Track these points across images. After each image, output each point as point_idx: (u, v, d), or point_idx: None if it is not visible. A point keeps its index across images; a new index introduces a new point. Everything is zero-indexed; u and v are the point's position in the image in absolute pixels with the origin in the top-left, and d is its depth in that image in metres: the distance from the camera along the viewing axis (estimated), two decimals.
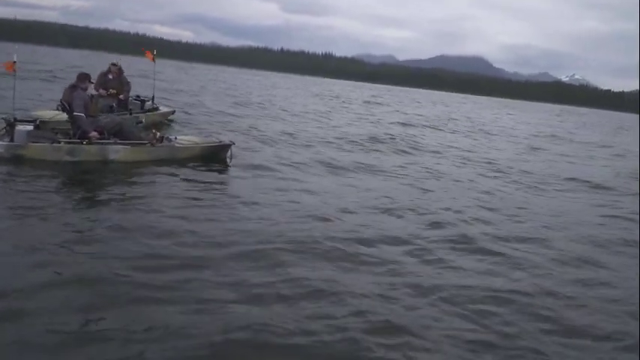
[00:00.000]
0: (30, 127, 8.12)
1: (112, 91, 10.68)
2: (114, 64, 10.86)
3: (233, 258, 4.97)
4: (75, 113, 8.27)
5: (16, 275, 4.11)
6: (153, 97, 11.99)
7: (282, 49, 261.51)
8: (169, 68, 48.24)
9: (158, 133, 9.12)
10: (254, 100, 24.75)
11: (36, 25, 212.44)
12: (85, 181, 7.54)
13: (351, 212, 7.07)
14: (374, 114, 24.98)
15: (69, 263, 4.46)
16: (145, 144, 8.79)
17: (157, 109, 11.84)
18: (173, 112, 12.32)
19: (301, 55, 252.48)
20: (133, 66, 19.10)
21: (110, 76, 10.81)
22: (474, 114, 37.12)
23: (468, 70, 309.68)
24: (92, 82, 8.89)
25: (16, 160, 7.79)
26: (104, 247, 4.95)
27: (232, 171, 9.16)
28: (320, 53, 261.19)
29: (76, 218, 5.71)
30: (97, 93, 10.58)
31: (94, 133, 8.33)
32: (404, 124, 20.75)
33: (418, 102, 48.94)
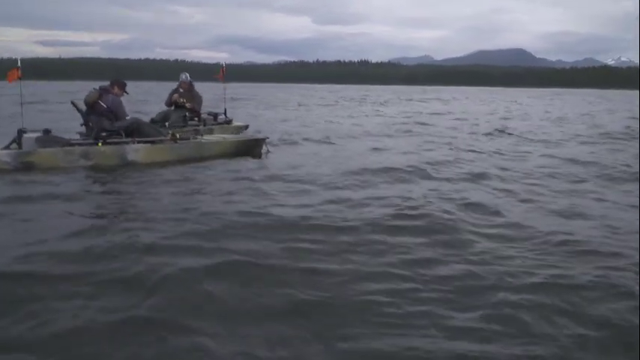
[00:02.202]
0: (39, 134, 7.32)
1: (181, 100, 10.12)
2: (183, 81, 10.40)
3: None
4: (129, 117, 7.91)
5: None
6: (225, 110, 11.47)
7: (317, 60, 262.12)
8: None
9: (178, 135, 8.22)
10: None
11: (80, 62, 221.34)
12: (101, 186, 6.60)
13: None
14: None
15: None
16: (166, 141, 7.90)
17: (230, 122, 11.24)
18: (246, 127, 11.74)
19: (337, 64, 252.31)
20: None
21: (181, 90, 10.34)
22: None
23: (509, 64, 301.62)
24: (127, 92, 8.16)
25: (26, 168, 6.99)
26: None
27: (266, 164, 8.11)
28: (356, 61, 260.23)
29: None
30: (168, 109, 10.31)
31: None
32: None
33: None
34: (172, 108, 10.30)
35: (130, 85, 8.54)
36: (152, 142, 7.79)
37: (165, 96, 10.85)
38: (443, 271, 3.61)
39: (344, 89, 71.76)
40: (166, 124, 9.51)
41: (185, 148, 8.03)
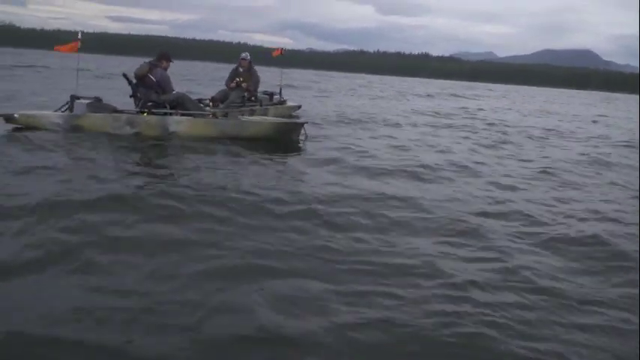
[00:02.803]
0: (90, 100, 7.86)
1: (238, 79, 10.66)
2: (243, 58, 10.90)
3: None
4: (175, 92, 8.27)
5: None
6: (280, 90, 11.98)
7: (377, 51, 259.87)
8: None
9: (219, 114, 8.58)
10: None
11: (147, 40, 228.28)
12: (141, 151, 7.09)
13: None
14: None
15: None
16: (207, 115, 8.27)
17: (284, 102, 11.78)
18: (299, 107, 12.25)
19: (397, 56, 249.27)
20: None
21: (240, 69, 10.87)
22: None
23: (575, 64, 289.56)
24: (172, 61, 8.57)
25: (75, 131, 7.59)
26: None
27: (302, 150, 8.23)
28: (416, 53, 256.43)
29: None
30: (227, 88, 10.85)
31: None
32: None
33: None
34: (230, 86, 10.77)
35: (192, 66, 8.97)
36: (194, 116, 8.16)
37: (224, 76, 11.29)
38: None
39: (401, 81, 71.00)
40: (220, 103, 10.19)
41: (225, 125, 8.33)
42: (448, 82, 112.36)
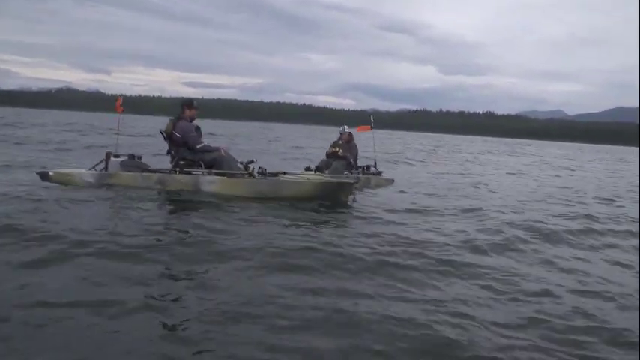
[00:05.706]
0: (125, 158, 7.62)
1: (334, 149, 11.09)
2: (341, 132, 11.43)
3: None
4: (198, 147, 7.76)
5: None
6: (375, 162, 12.12)
7: (440, 110, 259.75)
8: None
9: (253, 167, 8.01)
10: None
11: (218, 102, 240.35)
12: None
13: None
14: None
15: None
16: (242, 175, 7.76)
17: (380, 173, 11.87)
18: (393, 181, 12.17)
19: (460, 115, 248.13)
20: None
21: (340, 142, 11.36)
22: None
23: None
24: (195, 108, 8.07)
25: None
26: None
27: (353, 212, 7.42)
28: (481, 112, 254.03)
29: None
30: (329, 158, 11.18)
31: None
32: None
33: None
34: (328, 153, 11.25)
35: (266, 127, 8.44)
36: (228, 176, 7.69)
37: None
38: None
39: (465, 140, 69.42)
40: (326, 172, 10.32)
41: (261, 185, 7.76)
42: (516, 140, 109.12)
